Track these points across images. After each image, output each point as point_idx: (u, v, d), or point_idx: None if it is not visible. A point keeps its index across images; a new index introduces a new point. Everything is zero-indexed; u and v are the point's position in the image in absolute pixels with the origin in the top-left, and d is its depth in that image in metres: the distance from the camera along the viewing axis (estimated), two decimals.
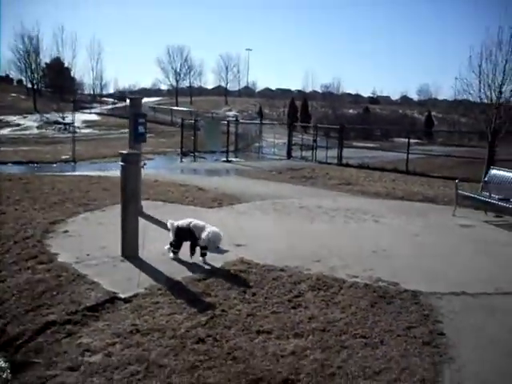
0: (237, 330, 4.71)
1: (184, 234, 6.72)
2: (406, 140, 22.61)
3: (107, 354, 4.17)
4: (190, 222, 6.72)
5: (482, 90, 12.88)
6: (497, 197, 10.04)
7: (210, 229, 6.56)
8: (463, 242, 8.58)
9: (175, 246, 6.82)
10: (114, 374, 3.86)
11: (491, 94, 12.72)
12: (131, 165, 6.73)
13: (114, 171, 16.37)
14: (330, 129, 28.26)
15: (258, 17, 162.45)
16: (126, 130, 37.40)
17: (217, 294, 5.61)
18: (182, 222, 6.78)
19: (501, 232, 9.41)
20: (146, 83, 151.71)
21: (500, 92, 12.62)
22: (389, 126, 48.22)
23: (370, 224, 9.61)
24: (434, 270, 6.88)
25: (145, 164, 8.33)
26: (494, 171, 10.88)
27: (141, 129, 9.39)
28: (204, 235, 6.48)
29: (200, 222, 6.73)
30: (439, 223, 9.90)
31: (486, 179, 10.90)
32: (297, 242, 8.06)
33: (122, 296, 5.49)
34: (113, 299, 5.40)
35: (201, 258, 6.65)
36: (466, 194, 10.78)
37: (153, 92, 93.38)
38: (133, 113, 9.38)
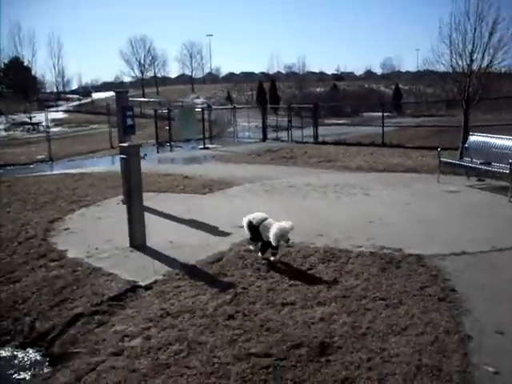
0: (262, 304, 4.94)
1: (255, 230, 6.31)
2: (376, 114, 23.01)
3: (146, 338, 4.36)
4: (262, 222, 6.22)
5: (454, 60, 13.24)
6: (478, 161, 10.43)
7: (275, 225, 6.01)
8: (453, 206, 8.95)
9: (251, 239, 6.50)
10: (158, 354, 4.06)
11: (462, 62, 13.09)
12: (133, 157, 6.87)
13: (95, 167, 16.41)
14: (302, 108, 28.52)
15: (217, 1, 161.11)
16: (96, 126, 36.96)
17: (233, 273, 5.83)
18: (253, 218, 6.34)
19: (486, 194, 9.82)
20: (109, 77, 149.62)
21: (471, 60, 12.98)
22: (358, 101, 48.71)
23: (360, 197, 9.91)
24: (431, 234, 7.22)
25: (145, 155, 8.46)
26: (473, 137, 11.26)
27: (129, 121, 9.49)
28: (271, 234, 5.97)
29: (270, 222, 6.15)
30: (426, 191, 10.26)
31: (467, 145, 11.29)
32: (295, 219, 8.16)
33: (143, 284, 5.66)
34: (134, 288, 5.57)
35: (272, 258, 6.15)
36: (449, 160, 11.16)
37: (116, 85, 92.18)
38: (120, 106, 9.46)
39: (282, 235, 5.95)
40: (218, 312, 4.79)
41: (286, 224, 6.02)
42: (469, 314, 4.58)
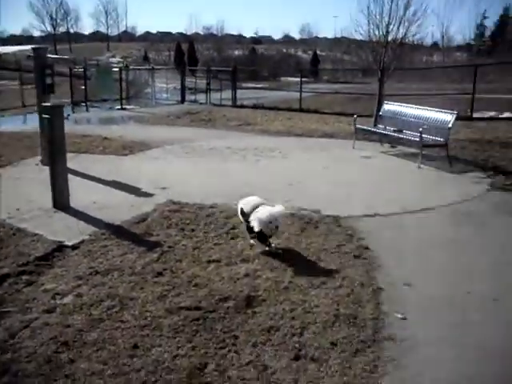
0: (188, 261, 5.15)
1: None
2: (293, 79, 23.42)
3: (77, 295, 4.45)
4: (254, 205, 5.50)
5: (371, 30, 13.74)
6: (391, 129, 11.02)
7: (263, 209, 5.33)
8: (367, 171, 9.49)
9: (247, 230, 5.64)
10: (91, 310, 4.18)
11: (379, 33, 13.60)
12: (57, 117, 6.77)
13: (6, 126, 15.71)
14: (221, 71, 28.53)
15: None
16: (4, 82, 34.64)
17: (158, 233, 5.98)
18: (245, 204, 5.67)
19: (397, 160, 10.44)
20: (16, 29, 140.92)
21: (387, 31, 13.51)
22: (276, 65, 49.10)
23: (279, 160, 10.26)
24: (347, 196, 7.67)
25: (68, 115, 8.31)
26: (387, 106, 11.85)
27: (48, 80, 9.22)
28: (253, 217, 5.34)
29: (255, 201, 5.62)
30: (343, 156, 10.76)
31: (381, 113, 11.86)
32: (216, 181, 8.53)
33: (69, 243, 5.68)
34: (60, 247, 5.58)
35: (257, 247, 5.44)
36: (364, 127, 11.69)
37: (25, 39, 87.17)
38: (38, 64, 9.15)
39: (270, 220, 5.22)
40: (146, 270, 4.95)
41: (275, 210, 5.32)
42: (381, 269, 5.01)
